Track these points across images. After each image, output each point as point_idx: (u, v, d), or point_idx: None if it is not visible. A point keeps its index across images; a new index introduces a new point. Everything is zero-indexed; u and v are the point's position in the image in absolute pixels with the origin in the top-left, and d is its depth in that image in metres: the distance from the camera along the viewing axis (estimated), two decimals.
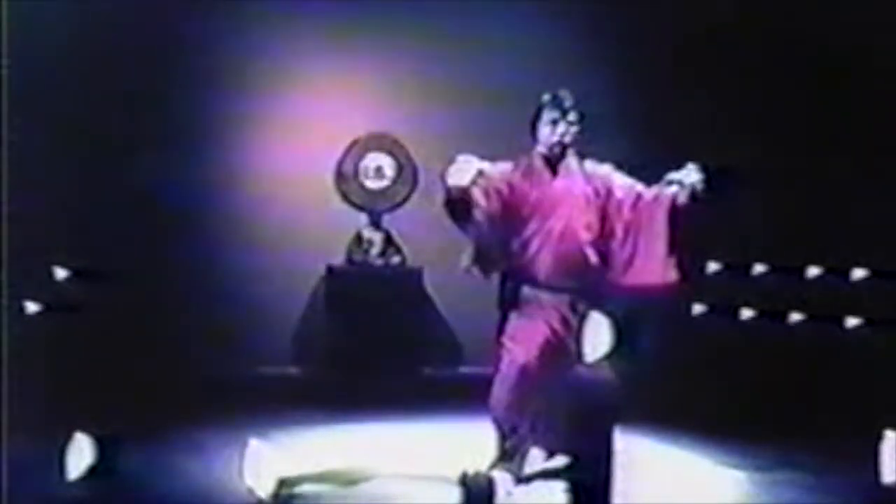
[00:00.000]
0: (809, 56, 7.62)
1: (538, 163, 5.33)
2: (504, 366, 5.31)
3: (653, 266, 5.20)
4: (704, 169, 5.23)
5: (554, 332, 5.23)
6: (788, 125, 7.65)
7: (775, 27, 7.74)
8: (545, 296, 5.24)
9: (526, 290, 5.29)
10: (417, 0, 8.30)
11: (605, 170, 5.35)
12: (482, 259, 5.29)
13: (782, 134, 7.67)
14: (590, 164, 5.34)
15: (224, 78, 8.15)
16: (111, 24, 7.67)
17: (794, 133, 7.63)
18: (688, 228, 5.22)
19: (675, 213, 5.17)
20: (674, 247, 5.19)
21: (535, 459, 5.33)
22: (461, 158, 5.15)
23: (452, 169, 5.12)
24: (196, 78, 8.05)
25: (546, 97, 5.31)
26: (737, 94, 7.78)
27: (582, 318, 5.14)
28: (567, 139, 5.30)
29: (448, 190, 5.17)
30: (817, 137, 7.53)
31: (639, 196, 5.26)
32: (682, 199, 5.13)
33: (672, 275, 5.20)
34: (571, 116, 5.28)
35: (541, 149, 5.34)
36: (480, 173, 5.11)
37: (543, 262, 5.23)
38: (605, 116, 7.74)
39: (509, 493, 5.23)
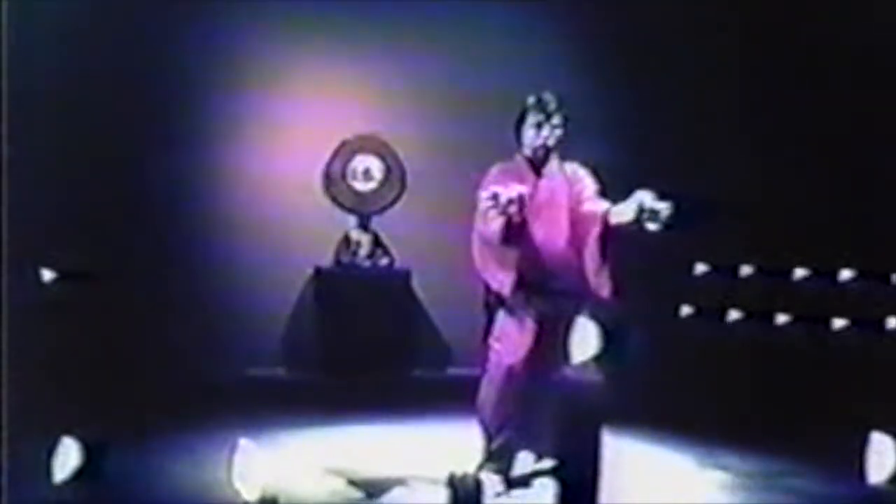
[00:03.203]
0: (796, 56, 7.64)
1: (523, 165, 5.36)
2: (491, 367, 5.33)
3: (590, 277, 5.23)
4: (675, 201, 5.15)
5: (541, 332, 5.25)
6: (776, 127, 7.67)
7: (761, 27, 7.75)
8: (532, 297, 5.27)
9: (502, 313, 5.33)
10: (406, 2, 8.31)
11: (581, 173, 5.37)
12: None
13: (769, 136, 7.69)
14: (569, 167, 5.38)
15: (213, 80, 8.14)
16: (105, 26, 7.65)
17: (782, 135, 7.65)
18: (624, 247, 5.21)
19: (607, 231, 5.18)
20: (604, 263, 5.21)
21: (525, 461, 5.35)
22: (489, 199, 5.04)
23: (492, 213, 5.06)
24: (185, 80, 8.04)
25: (531, 100, 5.35)
26: (724, 96, 7.80)
27: (569, 319, 5.16)
28: (551, 142, 5.33)
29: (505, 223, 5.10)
30: (804, 139, 7.55)
31: (578, 203, 5.28)
32: (627, 220, 5.07)
33: (604, 291, 5.22)
34: (555, 119, 5.31)
35: (525, 151, 5.37)
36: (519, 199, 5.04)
37: (530, 264, 5.25)
38: (593, 119, 7.81)
39: (498, 495, 5.25)
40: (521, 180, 5.28)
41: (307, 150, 8.37)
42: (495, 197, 5.01)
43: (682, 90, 7.85)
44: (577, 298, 5.20)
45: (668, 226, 5.03)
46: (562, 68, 7.93)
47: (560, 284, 5.26)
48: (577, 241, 5.27)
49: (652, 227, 5.03)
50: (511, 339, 5.28)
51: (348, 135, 8.47)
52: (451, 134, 8.20)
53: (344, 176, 8.47)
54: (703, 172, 7.70)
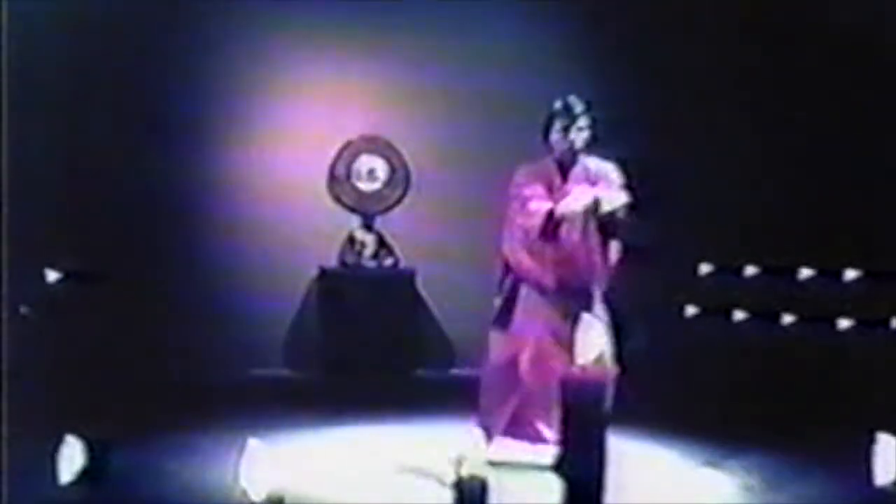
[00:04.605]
0: (804, 58, 7.63)
1: (552, 168, 5.49)
2: (494, 356, 5.48)
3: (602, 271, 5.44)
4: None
5: (549, 331, 5.30)
6: (782, 128, 7.66)
7: (775, 29, 7.73)
8: (550, 296, 5.34)
9: (525, 290, 5.43)
10: (410, 3, 8.30)
11: (603, 172, 5.45)
12: None
13: (775, 136, 7.68)
14: (595, 166, 5.46)
15: (217, 81, 8.15)
16: (108, 26, 7.66)
17: (787, 135, 7.64)
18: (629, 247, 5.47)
19: (600, 225, 5.42)
20: (606, 256, 5.46)
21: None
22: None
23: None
24: (190, 81, 8.05)
25: (557, 105, 5.46)
26: (733, 96, 7.79)
27: (575, 319, 5.20)
28: (578, 144, 5.45)
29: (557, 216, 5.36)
30: (809, 139, 7.55)
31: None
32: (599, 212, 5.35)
33: (597, 283, 5.44)
34: (582, 122, 5.43)
35: (554, 155, 5.50)
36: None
37: (550, 265, 5.34)
38: (601, 122, 7.77)
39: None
40: (549, 183, 5.40)
41: (312, 150, 8.37)
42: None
43: (690, 90, 7.85)
44: (588, 298, 5.35)
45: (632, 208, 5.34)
46: (566, 69, 7.93)
47: (577, 284, 5.38)
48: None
49: (606, 210, 5.32)
50: (520, 333, 5.35)
51: (353, 135, 8.47)
52: (456, 134, 8.21)
53: (348, 176, 8.47)
54: (708, 172, 7.70)
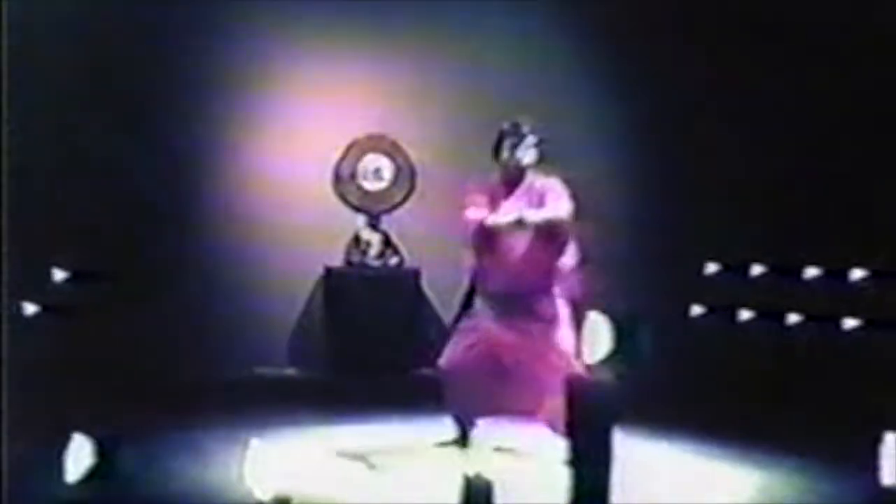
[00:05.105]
0: (806, 54, 7.62)
1: (496, 184, 5.83)
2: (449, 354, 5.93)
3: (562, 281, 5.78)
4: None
5: (503, 332, 5.73)
6: (787, 127, 7.65)
7: (770, 23, 7.73)
8: (496, 300, 5.75)
9: (479, 301, 5.86)
10: (416, 2, 8.30)
11: (548, 186, 5.69)
12: None
13: (780, 135, 7.68)
14: (540, 181, 5.70)
15: (222, 80, 8.15)
16: (109, 26, 7.67)
17: (793, 134, 7.63)
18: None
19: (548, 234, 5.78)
20: (560, 263, 5.78)
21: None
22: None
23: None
24: (193, 81, 8.06)
25: (505, 125, 5.82)
26: (735, 95, 7.78)
27: (580, 320, 5.27)
28: (525, 161, 5.79)
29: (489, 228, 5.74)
30: (816, 137, 7.54)
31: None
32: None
33: (578, 293, 5.76)
34: (530, 140, 5.77)
35: (503, 171, 5.83)
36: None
37: (492, 270, 5.69)
38: (602, 120, 7.81)
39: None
40: (493, 198, 5.77)
41: (317, 149, 8.38)
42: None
43: (698, 88, 7.84)
44: (527, 304, 5.72)
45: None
46: (570, 68, 7.93)
47: (515, 291, 5.71)
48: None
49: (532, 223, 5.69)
50: (468, 339, 5.84)
51: (358, 134, 8.47)
52: (461, 133, 8.19)
53: (354, 175, 8.47)
54: (714, 171, 7.69)
